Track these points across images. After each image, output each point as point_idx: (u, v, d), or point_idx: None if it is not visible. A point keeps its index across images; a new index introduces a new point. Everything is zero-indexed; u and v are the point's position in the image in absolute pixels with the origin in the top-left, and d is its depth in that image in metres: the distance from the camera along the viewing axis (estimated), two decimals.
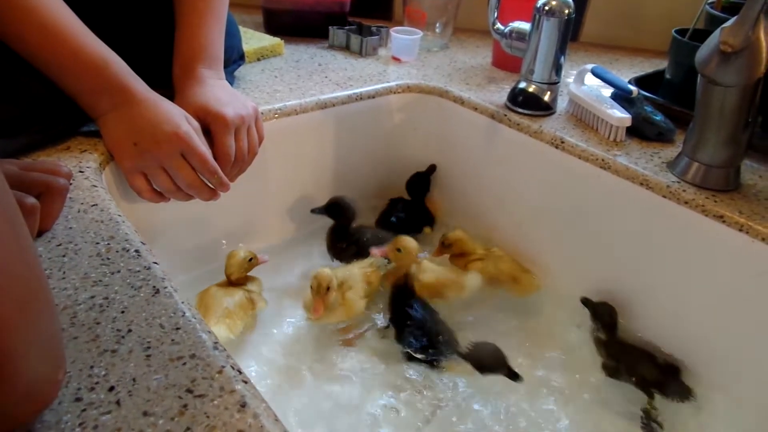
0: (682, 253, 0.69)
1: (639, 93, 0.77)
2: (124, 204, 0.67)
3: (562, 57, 0.81)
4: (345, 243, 0.83)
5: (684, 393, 0.67)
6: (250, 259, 0.74)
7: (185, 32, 0.70)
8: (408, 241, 0.76)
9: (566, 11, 0.77)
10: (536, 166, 0.81)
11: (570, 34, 0.80)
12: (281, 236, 0.89)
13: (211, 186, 0.66)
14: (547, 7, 0.77)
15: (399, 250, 0.75)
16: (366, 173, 0.94)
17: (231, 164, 0.67)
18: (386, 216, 0.92)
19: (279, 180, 0.85)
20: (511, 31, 0.85)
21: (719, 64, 0.58)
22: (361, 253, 0.81)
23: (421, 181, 0.94)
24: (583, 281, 0.80)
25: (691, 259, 0.68)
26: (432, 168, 0.95)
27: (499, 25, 0.86)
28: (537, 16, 0.79)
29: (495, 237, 0.91)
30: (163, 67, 0.70)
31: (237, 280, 0.74)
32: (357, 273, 0.75)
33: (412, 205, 0.94)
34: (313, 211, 0.84)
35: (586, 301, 0.75)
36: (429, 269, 0.78)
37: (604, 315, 0.73)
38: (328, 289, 0.70)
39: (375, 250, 0.77)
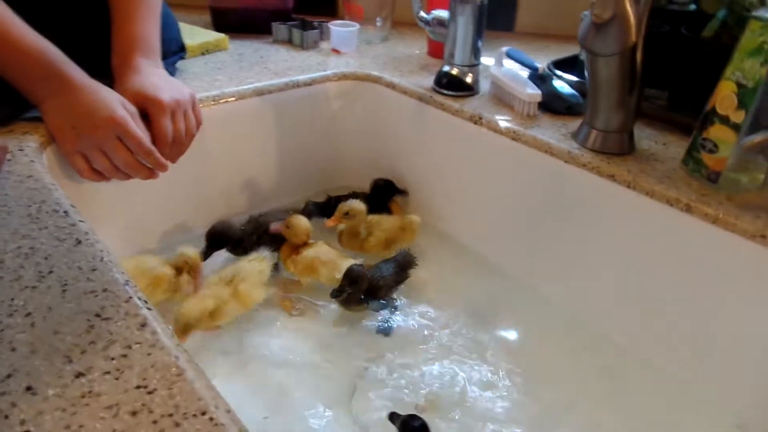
0: (581, 211, 0.75)
1: (545, 70, 0.84)
2: (68, 183, 0.71)
3: (479, 41, 0.88)
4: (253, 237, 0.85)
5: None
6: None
7: (121, 24, 0.75)
8: (298, 219, 0.82)
9: None
10: (458, 142, 0.88)
11: (485, 19, 0.86)
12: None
13: (149, 166, 0.71)
14: None
15: (288, 227, 0.81)
16: (307, 157, 1.00)
17: (168, 146, 0.73)
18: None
19: (222, 165, 0.90)
20: (433, 19, 0.91)
21: (594, 36, 0.65)
22: (276, 239, 0.84)
23: (388, 191, 0.97)
24: (496, 239, 0.89)
25: (588, 216, 0.75)
26: (404, 191, 0.98)
27: (422, 14, 0.93)
28: (453, 4, 0.85)
29: (427, 209, 0.98)
30: (104, 57, 0.76)
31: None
32: (246, 265, 0.77)
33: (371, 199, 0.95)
34: (203, 257, 0.81)
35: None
36: (311, 248, 0.82)
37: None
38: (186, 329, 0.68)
39: (273, 226, 0.83)
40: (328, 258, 0.80)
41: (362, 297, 0.76)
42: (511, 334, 0.79)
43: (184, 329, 0.66)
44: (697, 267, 0.66)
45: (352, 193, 0.94)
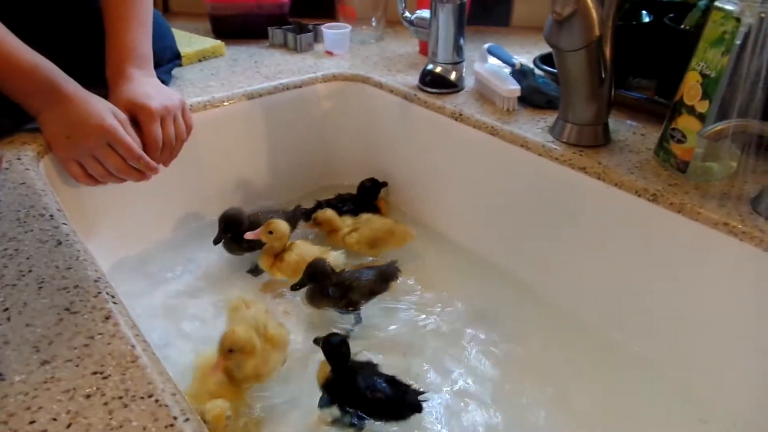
0: (556, 203, 0.77)
1: (524, 65, 0.85)
2: (66, 188, 0.76)
3: (461, 39, 0.89)
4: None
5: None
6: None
7: (113, 37, 0.80)
8: (279, 224, 0.82)
9: None
10: (441, 138, 0.90)
11: (465, 17, 0.88)
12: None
13: (141, 169, 0.75)
14: None
15: (270, 232, 0.82)
16: (299, 157, 1.04)
17: (159, 150, 0.77)
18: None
19: (215, 167, 0.94)
20: (416, 19, 0.94)
21: (557, 33, 0.66)
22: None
23: (369, 186, 0.99)
24: (477, 231, 0.92)
25: (563, 208, 0.76)
26: (384, 184, 1.01)
27: (407, 14, 0.95)
28: (434, 4, 0.87)
29: (414, 204, 1.01)
30: (100, 68, 0.80)
31: None
32: (252, 313, 0.74)
33: (358, 201, 0.99)
34: (215, 242, 0.85)
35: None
36: (295, 249, 0.84)
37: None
38: (230, 351, 0.66)
39: (249, 234, 0.83)
40: (312, 255, 0.83)
41: (329, 294, 0.77)
42: (492, 321, 0.81)
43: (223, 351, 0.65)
44: (664, 255, 0.67)
45: (338, 196, 0.98)
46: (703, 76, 0.63)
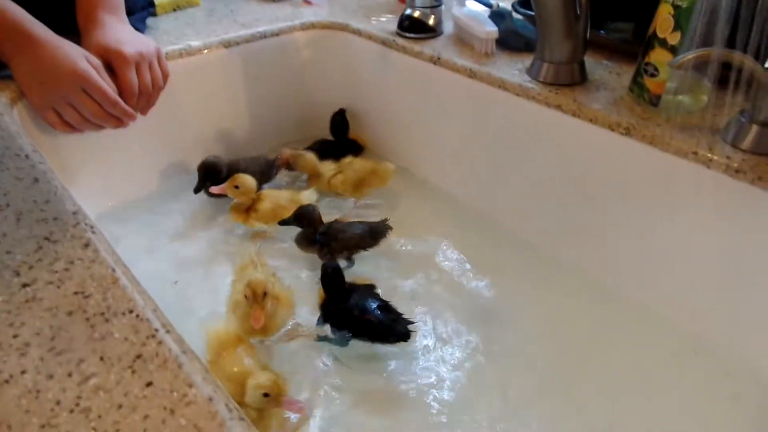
0: (534, 142, 0.78)
1: (499, 7, 0.84)
2: (43, 137, 0.76)
3: None
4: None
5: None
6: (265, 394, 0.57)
7: None
8: (245, 178, 0.82)
9: None
10: (421, 83, 0.90)
11: None
12: None
13: (118, 115, 0.75)
14: None
15: (237, 187, 0.82)
16: (280, 106, 1.03)
17: (135, 97, 0.76)
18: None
19: (195, 116, 0.94)
20: None
21: None
22: None
23: (339, 120, 1.00)
24: (459, 175, 0.93)
25: (540, 146, 0.77)
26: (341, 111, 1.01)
27: None
28: None
29: (397, 151, 1.02)
30: (71, 15, 0.79)
31: None
32: (257, 275, 0.69)
33: (337, 142, 1.01)
34: (196, 191, 0.87)
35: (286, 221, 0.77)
36: (267, 198, 0.84)
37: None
38: (264, 295, 0.64)
39: (215, 189, 0.83)
40: (287, 200, 0.84)
41: (315, 241, 0.78)
42: (471, 262, 0.83)
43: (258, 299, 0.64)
44: (637, 186, 0.68)
45: (315, 142, 0.98)
46: (675, 7, 0.64)
